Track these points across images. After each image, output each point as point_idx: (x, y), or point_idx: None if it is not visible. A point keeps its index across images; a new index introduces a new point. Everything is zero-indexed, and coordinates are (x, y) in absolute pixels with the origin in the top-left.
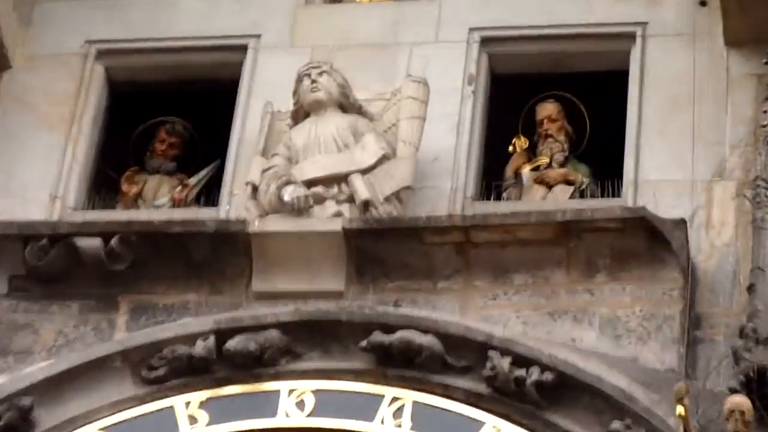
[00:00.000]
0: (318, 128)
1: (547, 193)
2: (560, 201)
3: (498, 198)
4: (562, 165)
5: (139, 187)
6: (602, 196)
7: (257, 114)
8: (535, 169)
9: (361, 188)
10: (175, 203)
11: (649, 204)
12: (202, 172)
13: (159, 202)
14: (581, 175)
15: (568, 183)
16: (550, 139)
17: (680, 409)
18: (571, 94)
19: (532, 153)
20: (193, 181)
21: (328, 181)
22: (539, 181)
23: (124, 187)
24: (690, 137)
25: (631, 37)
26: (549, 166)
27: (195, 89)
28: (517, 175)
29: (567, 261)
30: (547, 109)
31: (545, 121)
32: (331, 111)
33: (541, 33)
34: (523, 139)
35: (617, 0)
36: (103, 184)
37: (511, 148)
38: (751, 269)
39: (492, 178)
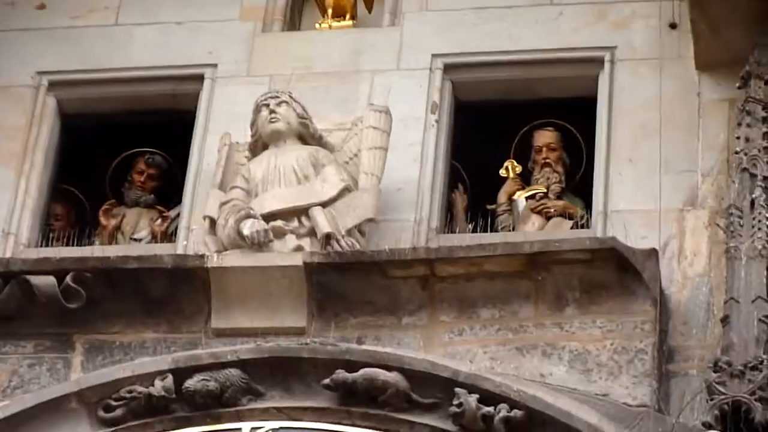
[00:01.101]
0: (277, 160)
1: (545, 224)
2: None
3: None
4: (558, 196)
5: (117, 221)
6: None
7: (215, 146)
8: (530, 197)
9: (322, 221)
10: (155, 236)
11: (619, 234)
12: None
13: (138, 235)
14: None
15: (563, 216)
16: (547, 169)
17: None
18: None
19: (523, 180)
20: (173, 213)
21: (288, 214)
22: (537, 211)
23: (103, 220)
24: (661, 165)
25: (599, 62)
26: (545, 196)
27: (151, 120)
28: (511, 201)
29: (535, 294)
30: (547, 136)
31: (545, 149)
32: (290, 142)
33: (507, 59)
34: (515, 163)
35: (585, 23)
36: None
37: (503, 172)
38: (725, 300)
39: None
